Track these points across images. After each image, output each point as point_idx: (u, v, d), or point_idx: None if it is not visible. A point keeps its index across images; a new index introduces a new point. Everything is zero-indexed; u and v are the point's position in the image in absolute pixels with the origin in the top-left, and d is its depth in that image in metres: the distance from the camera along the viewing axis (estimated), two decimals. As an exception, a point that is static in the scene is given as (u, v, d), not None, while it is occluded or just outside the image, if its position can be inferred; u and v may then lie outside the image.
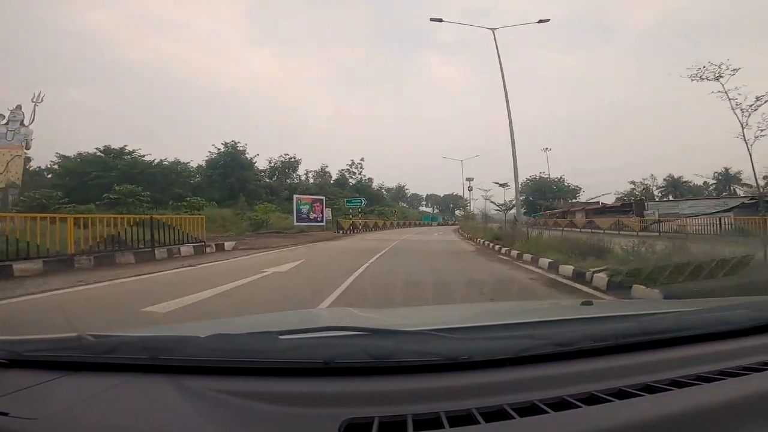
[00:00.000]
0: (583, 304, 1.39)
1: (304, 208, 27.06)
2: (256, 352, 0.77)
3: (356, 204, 32.64)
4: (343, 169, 56.33)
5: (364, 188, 52.18)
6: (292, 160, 48.37)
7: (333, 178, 54.82)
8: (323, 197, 29.66)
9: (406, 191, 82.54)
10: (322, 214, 27.55)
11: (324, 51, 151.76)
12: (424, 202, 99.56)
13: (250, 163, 37.05)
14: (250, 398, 0.66)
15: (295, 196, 27.61)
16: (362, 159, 58.13)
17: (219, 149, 35.36)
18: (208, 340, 0.78)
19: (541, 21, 13.96)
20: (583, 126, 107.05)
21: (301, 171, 48.94)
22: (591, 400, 0.64)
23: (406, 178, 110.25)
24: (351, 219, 28.83)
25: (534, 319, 1.18)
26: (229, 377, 0.74)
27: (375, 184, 59.06)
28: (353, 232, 26.47)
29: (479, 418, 0.60)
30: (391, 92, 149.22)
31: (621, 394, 0.65)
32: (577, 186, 53.13)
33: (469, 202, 43.30)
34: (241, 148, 36.14)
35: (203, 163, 35.66)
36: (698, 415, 0.60)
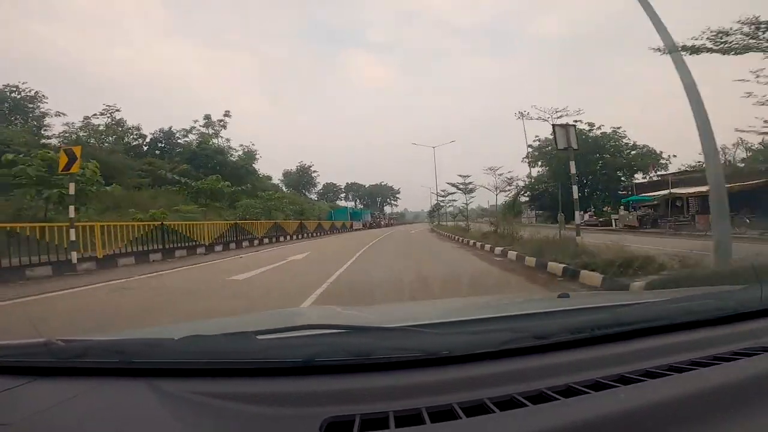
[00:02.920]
0: (560, 296, 1.38)
1: None
2: (232, 353, 0.75)
3: None
4: (180, 131, 30.52)
5: (204, 157, 26.77)
6: (12, 91, 22.17)
7: (149, 138, 28.56)
8: None
9: (314, 175, 57.41)
10: None
11: (241, 44, 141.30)
12: (343, 194, 76.24)
13: None
14: (228, 399, 0.65)
15: None
16: (227, 113, 33.18)
17: None
18: (182, 342, 0.75)
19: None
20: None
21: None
22: (569, 392, 0.64)
23: (328, 173, 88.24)
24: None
25: (513, 312, 1.19)
26: (206, 379, 0.71)
27: (255, 157, 34.29)
28: None
29: (460, 413, 0.59)
30: (318, 86, 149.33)
31: (597, 386, 0.65)
32: (651, 148, 27.92)
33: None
34: None
35: None
36: (671, 406, 0.60)
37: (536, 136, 34.04)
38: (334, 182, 72.54)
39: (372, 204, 75.47)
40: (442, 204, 29.67)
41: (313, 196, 55.88)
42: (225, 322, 1.45)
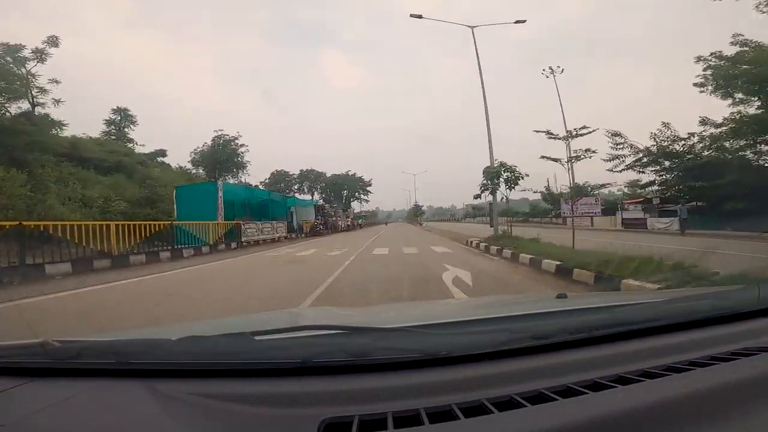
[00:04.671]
0: (558, 297, 1.38)
1: None
2: (230, 354, 0.75)
3: None
4: None
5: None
6: None
7: None
8: None
9: (241, 151, 34.68)
10: None
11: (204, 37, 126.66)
12: (297, 185, 62.84)
13: None
14: (226, 400, 0.65)
15: None
16: (54, 38, 19.36)
17: None
18: (180, 342, 0.75)
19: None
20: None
21: None
22: (567, 392, 0.64)
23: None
24: None
25: (511, 313, 1.19)
26: (204, 380, 0.72)
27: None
28: None
29: (459, 414, 0.60)
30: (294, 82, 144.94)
31: (595, 386, 0.66)
32: None
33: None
34: None
35: None
36: (669, 406, 0.61)
37: (722, 50, 17.57)
38: (287, 170, 58.79)
39: (337, 198, 62.24)
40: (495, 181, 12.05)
41: (256, 183, 41.89)
42: (222, 323, 1.49)
